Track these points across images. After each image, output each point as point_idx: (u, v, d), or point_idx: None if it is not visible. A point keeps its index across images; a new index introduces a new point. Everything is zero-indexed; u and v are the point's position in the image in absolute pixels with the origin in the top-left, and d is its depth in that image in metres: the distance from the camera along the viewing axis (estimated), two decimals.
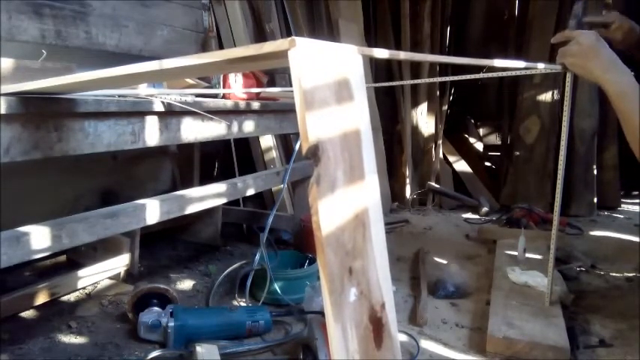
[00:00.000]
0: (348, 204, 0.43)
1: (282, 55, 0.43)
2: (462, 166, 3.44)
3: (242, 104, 1.59)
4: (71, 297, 1.65)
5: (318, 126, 0.40)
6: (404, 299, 1.75)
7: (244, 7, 2.45)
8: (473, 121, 3.85)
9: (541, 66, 1.30)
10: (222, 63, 0.50)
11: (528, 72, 1.34)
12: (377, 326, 0.42)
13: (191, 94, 1.44)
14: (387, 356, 0.43)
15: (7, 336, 1.38)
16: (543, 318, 1.45)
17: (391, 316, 0.44)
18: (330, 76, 0.45)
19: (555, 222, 1.52)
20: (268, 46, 0.44)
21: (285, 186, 1.90)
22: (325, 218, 0.39)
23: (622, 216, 3.03)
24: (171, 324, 1.33)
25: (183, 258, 2.09)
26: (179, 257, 2.11)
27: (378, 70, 3.26)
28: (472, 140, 3.75)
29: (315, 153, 0.38)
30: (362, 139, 0.48)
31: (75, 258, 1.81)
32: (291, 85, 2.38)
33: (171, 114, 1.31)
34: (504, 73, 1.58)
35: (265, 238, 1.71)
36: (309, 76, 0.42)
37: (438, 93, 3.30)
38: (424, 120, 3.25)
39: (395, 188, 3.13)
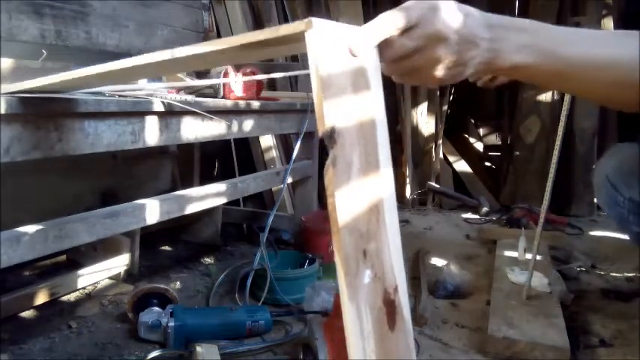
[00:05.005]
0: (363, 187, 0.43)
1: (299, 38, 0.42)
2: (462, 166, 3.44)
3: (242, 104, 1.59)
4: (71, 297, 1.65)
5: (334, 109, 0.40)
6: None
7: (244, 6, 2.45)
8: (473, 121, 3.85)
9: None
10: (236, 50, 0.49)
11: None
12: (390, 309, 0.43)
13: (190, 93, 1.44)
14: (400, 338, 0.44)
15: (7, 336, 1.38)
16: (543, 318, 1.45)
17: (404, 300, 0.45)
18: (347, 61, 0.44)
19: (541, 219, 1.51)
20: (284, 29, 0.42)
21: (285, 186, 1.90)
22: (341, 200, 0.39)
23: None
24: (172, 324, 1.33)
25: (183, 258, 2.09)
26: (179, 257, 2.11)
27: None
28: (472, 140, 3.75)
29: (331, 135, 0.38)
30: (377, 130, 0.47)
31: (75, 258, 1.81)
32: (291, 86, 2.37)
33: (171, 114, 1.31)
34: None
35: (265, 238, 1.71)
36: (326, 58, 0.41)
37: (438, 93, 3.30)
38: (424, 120, 3.25)
39: (395, 188, 3.13)
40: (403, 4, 0.55)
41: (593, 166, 3.02)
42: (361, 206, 0.41)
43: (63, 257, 1.87)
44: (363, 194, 0.42)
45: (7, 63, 1.07)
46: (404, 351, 0.44)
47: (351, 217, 0.40)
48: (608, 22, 3.04)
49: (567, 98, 1.40)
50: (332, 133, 0.38)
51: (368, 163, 0.44)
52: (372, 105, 0.47)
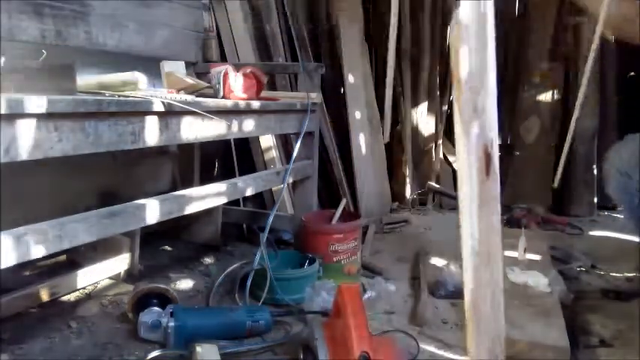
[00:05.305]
0: (479, 54, 0.53)
1: None
2: None
3: (242, 104, 1.59)
4: (71, 297, 1.65)
5: None
6: (404, 299, 1.75)
7: (244, 7, 2.45)
8: None
9: None
10: None
11: None
12: (487, 159, 0.56)
13: (190, 93, 1.44)
14: (491, 185, 0.59)
15: (7, 336, 1.38)
16: (543, 318, 1.45)
17: (496, 155, 0.58)
18: None
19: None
20: None
21: (285, 186, 1.90)
22: (463, 62, 0.50)
23: (622, 216, 3.02)
24: (172, 324, 1.33)
25: (183, 258, 2.09)
26: (179, 257, 2.11)
27: (378, 68, 3.25)
28: None
29: None
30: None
31: (75, 258, 1.81)
32: (291, 86, 2.36)
33: (171, 114, 1.31)
34: None
35: (265, 238, 1.71)
36: None
37: (438, 93, 3.30)
38: (424, 120, 3.25)
39: (395, 188, 3.13)
40: None
41: (594, 166, 3.02)
42: (476, 69, 0.51)
43: (63, 257, 1.87)
44: (479, 58, 0.52)
45: (7, 63, 1.07)
46: (494, 193, 0.60)
47: (470, 74, 0.50)
48: None
49: (578, 101, 1.41)
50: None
51: (484, 40, 0.55)
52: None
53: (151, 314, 1.38)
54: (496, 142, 0.59)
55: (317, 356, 1.17)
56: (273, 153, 2.42)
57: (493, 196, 0.60)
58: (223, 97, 1.61)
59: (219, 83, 1.62)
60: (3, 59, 1.05)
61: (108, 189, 2.02)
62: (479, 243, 0.57)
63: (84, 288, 1.70)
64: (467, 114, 0.49)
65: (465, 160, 0.51)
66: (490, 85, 0.55)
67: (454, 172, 3.41)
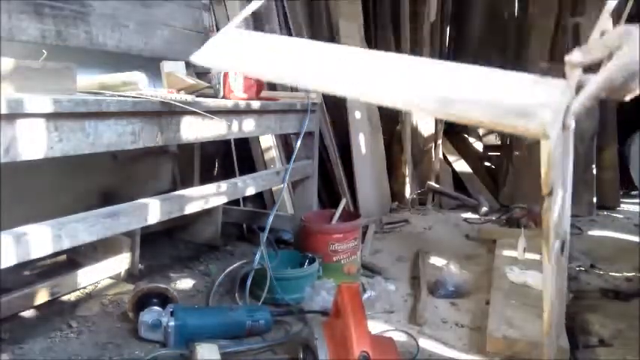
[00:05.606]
0: (561, 209, 0.69)
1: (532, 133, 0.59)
2: (461, 166, 3.44)
3: (242, 104, 1.59)
4: (71, 297, 1.65)
5: (554, 177, 0.63)
6: (404, 299, 1.75)
7: (244, 7, 2.44)
8: None
9: None
10: None
11: None
12: (563, 245, 0.74)
13: (190, 93, 1.44)
14: (564, 260, 0.79)
15: (7, 336, 1.39)
16: None
17: (567, 238, 0.78)
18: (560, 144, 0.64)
19: None
20: (522, 128, 0.57)
21: (285, 186, 1.90)
22: (552, 221, 0.65)
23: (621, 216, 3.03)
24: (172, 323, 1.33)
25: (184, 258, 2.09)
26: (179, 257, 2.11)
27: None
28: (472, 140, 3.75)
29: (550, 193, 0.63)
30: (568, 178, 0.74)
31: (75, 258, 1.81)
32: (291, 87, 2.34)
33: (171, 114, 1.31)
34: None
35: (265, 238, 1.71)
36: (554, 149, 0.60)
37: None
38: (424, 120, 3.25)
39: (395, 188, 3.13)
40: None
41: (593, 166, 3.02)
42: (557, 216, 0.68)
43: (63, 257, 1.87)
44: (559, 209, 0.69)
45: (7, 63, 1.06)
46: (565, 264, 0.84)
47: (555, 223, 0.66)
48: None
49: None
50: (551, 191, 0.63)
51: (563, 200, 0.71)
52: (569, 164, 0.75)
53: (152, 314, 1.39)
54: (568, 234, 0.77)
55: (317, 356, 1.17)
56: (273, 153, 2.42)
57: (565, 266, 0.86)
58: (223, 97, 1.61)
59: (219, 83, 1.62)
60: (3, 59, 1.05)
61: (108, 189, 2.02)
62: (556, 292, 0.76)
63: (84, 288, 1.70)
64: (552, 239, 0.67)
65: (548, 257, 0.70)
66: (566, 217, 0.75)
67: (454, 171, 3.41)
